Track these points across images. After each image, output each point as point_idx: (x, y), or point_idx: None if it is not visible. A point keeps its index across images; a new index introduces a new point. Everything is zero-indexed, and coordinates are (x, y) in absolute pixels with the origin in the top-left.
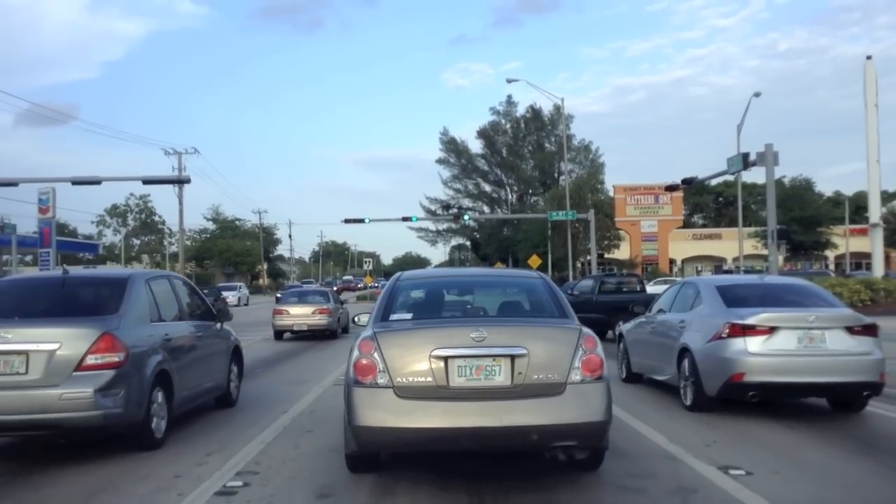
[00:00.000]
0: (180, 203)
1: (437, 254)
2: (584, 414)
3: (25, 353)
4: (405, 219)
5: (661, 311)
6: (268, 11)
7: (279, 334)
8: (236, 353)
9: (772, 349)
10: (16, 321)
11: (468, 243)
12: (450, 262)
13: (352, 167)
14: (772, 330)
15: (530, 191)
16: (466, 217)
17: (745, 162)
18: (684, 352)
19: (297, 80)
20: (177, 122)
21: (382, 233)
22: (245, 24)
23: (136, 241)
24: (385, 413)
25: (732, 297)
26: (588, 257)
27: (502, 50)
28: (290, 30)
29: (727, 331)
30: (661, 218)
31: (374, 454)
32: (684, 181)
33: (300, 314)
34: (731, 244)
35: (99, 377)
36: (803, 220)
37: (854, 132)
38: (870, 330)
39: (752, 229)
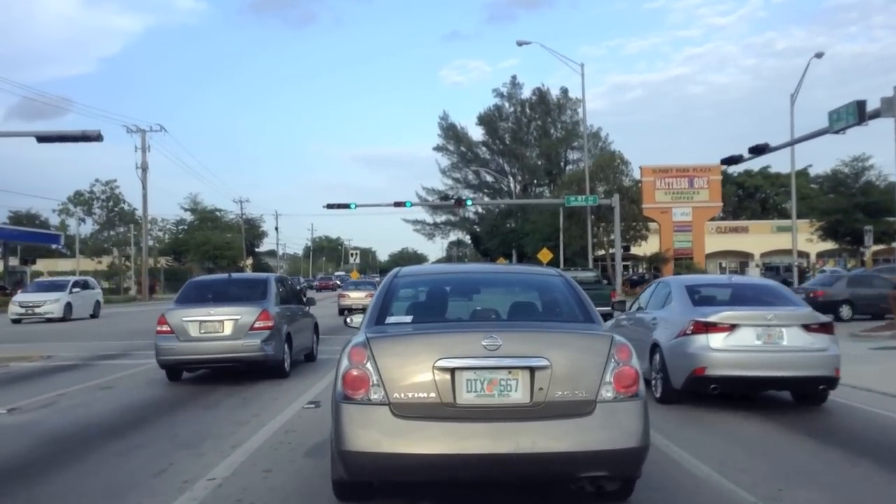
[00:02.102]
0: (144, 188)
1: (435, 249)
2: (618, 438)
3: (221, 321)
4: (398, 204)
5: (640, 308)
6: (259, 6)
7: (342, 311)
8: (316, 327)
9: (732, 345)
10: (212, 303)
11: (468, 238)
12: (447, 260)
13: (349, 164)
14: (732, 327)
15: (535, 181)
16: (469, 202)
17: (860, 113)
18: (655, 347)
19: (292, 77)
20: (172, 119)
21: (378, 228)
22: (237, 19)
23: (109, 233)
24: (379, 435)
25: (700, 297)
26: (612, 250)
27: (497, 47)
28: (282, 25)
29: (691, 328)
30: (696, 204)
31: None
32: (752, 150)
33: (357, 297)
34: (758, 238)
35: (262, 334)
36: (867, 206)
37: (851, 131)
38: (826, 328)
39: (786, 222)
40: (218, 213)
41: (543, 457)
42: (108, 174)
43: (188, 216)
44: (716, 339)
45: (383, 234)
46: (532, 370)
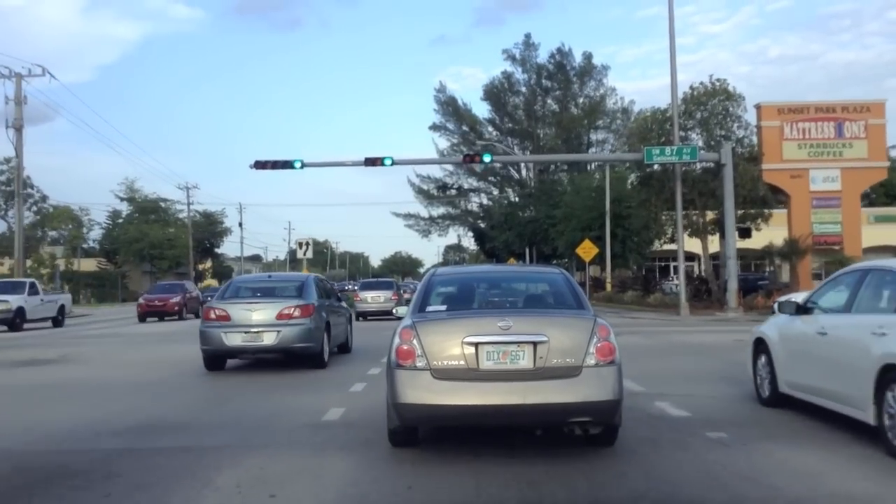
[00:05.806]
0: (17, 155)
1: (430, 250)
2: (599, 393)
3: (379, 295)
4: (370, 161)
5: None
6: (243, 8)
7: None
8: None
9: None
10: (373, 289)
11: (470, 235)
12: (444, 265)
13: (344, 169)
14: None
15: (553, 165)
16: (488, 157)
17: None
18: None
19: (282, 81)
20: (167, 126)
21: (370, 231)
22: (222, 22)
23: (45, 233)
24: (423, 392)
25: None
26: (711, 240)
27: (487, 52)
28: (268, 28)
29: None
30: (847, 164)
31: (413, 430)
32: None
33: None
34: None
35: (394, 301)
36: None
37: None
38: None
39: (890, 210)
40: (163, 204)
41: (543, 407)
42: None
43: (125, 207)
44: None
45: (376, 234)
46: (535, 344)
